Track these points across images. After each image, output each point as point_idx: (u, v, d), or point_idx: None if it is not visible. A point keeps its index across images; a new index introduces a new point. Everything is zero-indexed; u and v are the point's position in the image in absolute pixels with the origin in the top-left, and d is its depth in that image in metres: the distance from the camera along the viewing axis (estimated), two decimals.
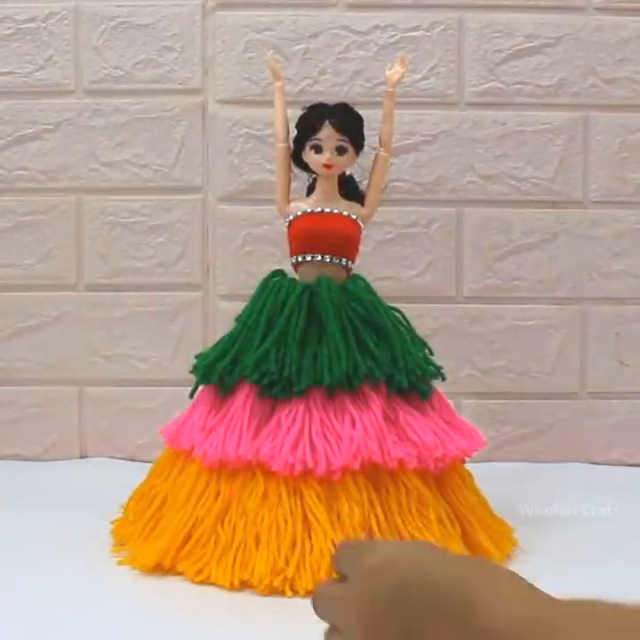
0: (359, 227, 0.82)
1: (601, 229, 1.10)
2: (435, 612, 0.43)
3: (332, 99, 0.83)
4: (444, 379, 0.83)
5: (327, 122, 0.79)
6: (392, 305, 0.83)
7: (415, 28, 1.09)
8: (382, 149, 0.83)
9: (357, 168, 0.83)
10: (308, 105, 0.81)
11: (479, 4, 1.09)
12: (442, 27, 1.09)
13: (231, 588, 0.71)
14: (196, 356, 0.83)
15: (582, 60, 1.09)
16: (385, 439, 0.75)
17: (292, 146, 0.82)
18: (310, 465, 0.73)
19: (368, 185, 0.83)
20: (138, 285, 1.10)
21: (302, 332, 0.77)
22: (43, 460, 1.09)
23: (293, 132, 0.82)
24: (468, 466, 0.82)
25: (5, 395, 1.11)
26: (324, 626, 0.48)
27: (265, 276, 0.83)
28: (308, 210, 0.81)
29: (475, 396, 1.11)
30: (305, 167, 0.82)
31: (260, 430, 0.76)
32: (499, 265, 1.10)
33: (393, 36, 1.09)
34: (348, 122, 0.80)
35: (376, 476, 0.75)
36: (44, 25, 1.08)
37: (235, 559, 0.72)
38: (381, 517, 0.73)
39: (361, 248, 0.84)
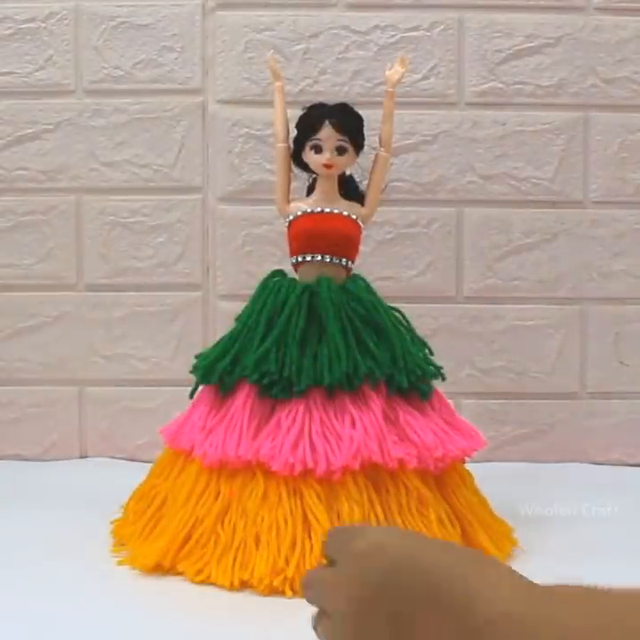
0: (359, 227, 0.82)
1: (601, 229, 1.10)
2: (424, 599, 0.43)
3: (332, 99, 0.83)
4: (444, 379, 0.83)
5: (327, 122, 0.79)
6: (392, 305, 0.83)
7: (415, 28, 1.09)
8: (382, 149, 0.83)
9: (357, 168, 0.83)
10: (308, 105, 0.81)
11: (479, 4, 1.09)
12: (442, 27, 1.09)
13: (231, 587, 0.71)
14: (196, 356, 0.83)
15: (582, 60, 1.09)
16: (385, 439, 0.75)
17: (291, 146, 0.82)
18: (310, 465, 0.73)
19: (368, 185, 0.83)
20: (138, 285, 1.10)
21: (302, 332, 0.77)
22: (43, 460, 1.09)
23: (293, 132, 0.82)
24: (468, 466, 0.82)
25: (5, 395, 1.11)
26: (313, 610, 0.49)
27: (265, 275, 0.83)
28: (308, 210, 0.81)
29: (475, 396, 1.11)
30: (305, 167, 0.82)
31: (259, 430, 0.76)
32: (499, 265, 1.10)
33: (393, 36, 1.09)
34: (348, 122, 0.80)
35: (376, 476, 0.75)
36: (43, 25, 1.08)
37: (235, 559, 0.72)
38: (381, 517, 0.73)
39: (361, 248, 0.84)
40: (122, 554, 0.77)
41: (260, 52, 1.07)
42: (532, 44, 1.09)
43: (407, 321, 0.83)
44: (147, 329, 1.10)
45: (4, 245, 1.09)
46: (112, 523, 0.83)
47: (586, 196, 1.10)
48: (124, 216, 1.10)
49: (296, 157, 0.82)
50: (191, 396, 0.82)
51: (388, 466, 0.74)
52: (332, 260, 0.81)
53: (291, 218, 0.82)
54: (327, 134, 0.79)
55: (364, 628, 0.46)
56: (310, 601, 0.53)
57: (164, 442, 0.82)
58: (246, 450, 0.74)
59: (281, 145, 0.83)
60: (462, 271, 1.10)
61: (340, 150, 0.80)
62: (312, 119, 0.80)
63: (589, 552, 0.79)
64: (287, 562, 0.71)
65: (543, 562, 0.75)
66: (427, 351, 0.83)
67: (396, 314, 0.82)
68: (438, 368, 0.82)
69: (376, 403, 0.76)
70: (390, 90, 0.83)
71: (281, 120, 0.83)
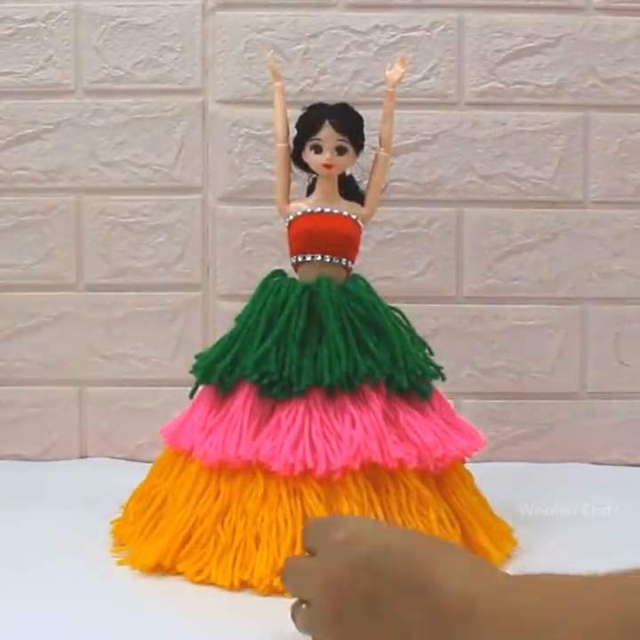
0: (359, 227, 0.82)
1: (601, 229, 1.10)
2: (398, 584, 0.46)
3: (332, 99, 0.83)
4: (444, 379, 0.83)
5: (327, 122, 0.79)
6: (392, 305, 0.83)
7: (415, 28, 1.09)
8: (382, 149, 0.83)
9: (357, 168, 0.83)
10: (308, 105, 0.81)
11: (479, 4, 1.09)
12: (442, 27, 1.09)
13: (231, 587, 0.71)
14: (196, 356, 0.83)
15: (582, 59, 1.09)
16: (385, 439, 0.75)
17: (291, 146, 0.82)
18: (310, 465, 0.73)
19: (368, 185, 0.83)
20: (138, 285, 1.10)
21: (302, 332, 0.77)
22: (43, 460, 1.10)
23: (293, 132, 0.82)
24: (468, 466, 0.82)
25: (5, 395, 1.11)
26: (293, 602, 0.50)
27: (265, 275, 0.82)
28: (308, 210, 0.81)
29: (475, 396, 1.11)
30: (305, 167, 0.82)
31: (260, 430, 0.76)
32: (499, 265, 1.10)
33: (393, 36, 1.09)
34: (348, 122, 0.80)
35: (376, 476, 0.75)
36: (43, 25, 1.08)
37: (235, 559, 0.72)
38: (381, 517, 0.73)
39: (361, 248, 0.84)
40: (122, 554, 0.77)
41: (260, 51, 1.07)
42: (532, 44, 1.09)
43: (407, 321, 0.83)
44: (147, 329, 1.11)
45: (4, 245, 1.10)
46: (112, 523, 0.83)
47: (586, 195, 1.10)
48: (124, 216, 1.10)
49: (296, 157, 0.82)
50: (191, 395, 0.82)
51: (388, 466, 0.74)
52: (332, 260, 0.81)
53: (291, 218, 0.82)
54: (327, 134, 0.79)
55: (342, 612, 0.48)
56: (289, 590, 0.55)
57: (164, 442, 0.82)
58: (246, 450, 0.74)
59: (281, 145, 0.83)
60: (462, 271, 1.10)
61: (340, 150, 0.80)
62: (312, 119, 0.80)
63: (589, 552, 0.79)
64: None
65: (543, 562, 0.75)
66: (427, 351, 0.83)
67: (396, 314, 0.82)
68: (438, 368, 0.82)
69: (376, 403, 0.76)
70: (390, 90, 0.83)
71: (281, 120, 0.83)
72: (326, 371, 0.76)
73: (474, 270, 1.10)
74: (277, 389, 0.76)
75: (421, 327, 0.86)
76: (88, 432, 1.11)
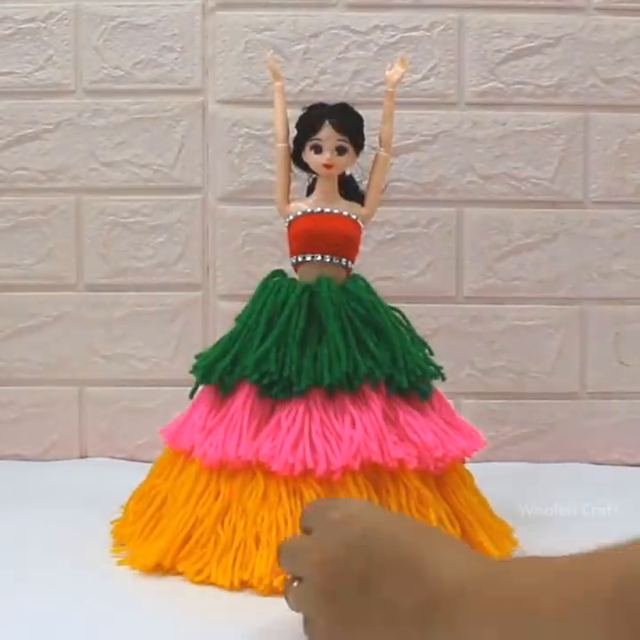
0: (359, 227, 0.82)
1: (601, 229, 1.11)
2: (390, 565, 0.47)
3: (332, 99, 0.83)
4: (444, 379, 0.83)
5: (327, 122, 0.79)
6: (392, 305, 0.83)
7: (415, 28, 1.09)
8: (382, 149, 0.83)
9: (357, 168, 0.83)
10: (308, 105, 0.81)
11: (479, 4, 1.09)
12: (442, 27, 1.09)
13: (231, 588, 0.71)
14: (196, 356, 0.83)
15: (582, 60, 1.09)
16: (385, 439, 0.75)
17: (291, 146, 0.82)
18: (310, 465, 0.73)
19: (368, 185, 0.83)
20: (138, 285, 1.10)
21: (302, 332, 0.77)
22: (43, 460, 1.10)
23: (293, 132, 0.82)
24: (468, 466, 0.82)
25: (5, 395, 1.11)
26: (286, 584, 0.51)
27: (265, 275, 0.82)
28: (308, 210, 0.81)
29: (475, 396, 1.11)
30: (305, 167, 0.82)
31: (260, 430, 0.76)
32: (499, 265, 1.10)
33: (393, 36, 1.09)
34: (348, 122, 0.80)
35: (376, 476, 0.75)
36: (43, 25, 1.08)
37: (235, 559, 0.72)
38: None
39: (361, 248, 0.84)
40: (122, 554, 0.77)
41: (260, 51, 1.07)
42: (532, 44, 1.09)
43: (407, 321, 0.83)
44: (147, 329, 1.11)
45: (4, 245, 1.10)
46: (112, 523, 0.83)
47: (586, 195, 1.10)
48: (124, 216, 1.10)
49: (296, 157, 0.82)
50: (191, 395, 0.82)
51: (388, 466, 0.74)
52: (332, 260, 0.81)
53: (291, 218, 0.82)
54: (327, 134, 0.79)
55: (336, 590, 0.50)
56: (284, 566, 0.56)
57: (164, 442, 0.82)
58: (246, 450, 0.74)
59: (281, 145, 0.83)
60: (462, 271, 1.10)
61: (340, 150, 0.80)
62: (312, 119, 0.80)
63: None
64: None
65: None
66: (427, 351, 0.83)
67: (396, 314, 0.82)
68: (438, 368, 0.82)
69: (376, 403, 0.76)
70: (390, 90, 0.83)
71: (281, 120, 0.83)
72: (326, 371, 0.76)
73: (474, 270, 1.10)
74: (277, 389, 0.76)
75: (421, 327, 0.86)
76: (88, 432, 1.11)
